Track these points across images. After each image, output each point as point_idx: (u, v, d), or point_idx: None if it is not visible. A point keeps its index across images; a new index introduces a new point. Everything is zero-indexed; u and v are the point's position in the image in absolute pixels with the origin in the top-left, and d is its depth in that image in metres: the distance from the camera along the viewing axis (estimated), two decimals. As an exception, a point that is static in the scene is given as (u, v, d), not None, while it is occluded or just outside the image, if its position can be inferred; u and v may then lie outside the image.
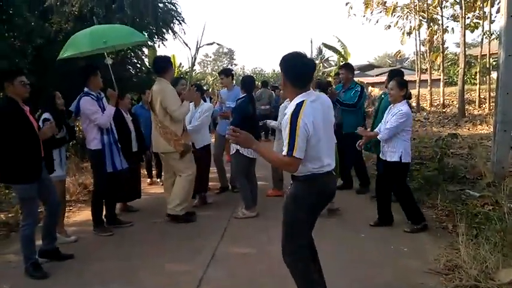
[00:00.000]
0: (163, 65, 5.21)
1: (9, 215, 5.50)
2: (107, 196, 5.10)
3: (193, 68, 5.85)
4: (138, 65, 12.97)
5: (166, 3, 12.16)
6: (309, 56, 2.89)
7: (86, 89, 4.79)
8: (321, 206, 2.89)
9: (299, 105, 2.63)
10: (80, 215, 5.83)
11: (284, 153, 2.61)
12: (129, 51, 11.13)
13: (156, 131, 5.16)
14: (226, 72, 7.12)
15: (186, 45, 5.55)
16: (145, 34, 12.26)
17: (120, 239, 4.86)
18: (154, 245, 4.60)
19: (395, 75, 5.46)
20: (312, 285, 2.82)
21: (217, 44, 6.20)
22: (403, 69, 12.03)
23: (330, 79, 16.68)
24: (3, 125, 3.64)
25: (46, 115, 4.42)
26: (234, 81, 7.43)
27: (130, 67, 12.57)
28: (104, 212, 5.16)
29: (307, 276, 2.81)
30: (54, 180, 4.34)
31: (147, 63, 13.82)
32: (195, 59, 5.49)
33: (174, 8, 12.33)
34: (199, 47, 5.36)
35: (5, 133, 3.63)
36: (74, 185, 6.61)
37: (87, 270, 3.98)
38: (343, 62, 11.37)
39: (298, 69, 2.72)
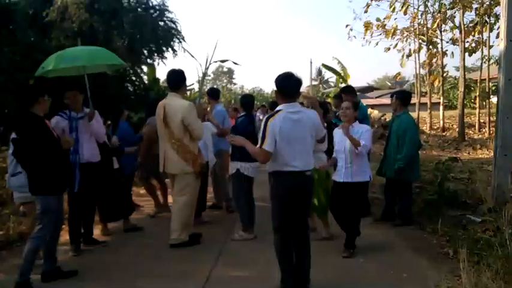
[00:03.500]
0: (179, 79, 4.99)
1: (0, 232, 5.36)
2: (77, 215, 4.92)
3: (203, 84, 5.79)
4: (137, 83, 12.99)
5: (167, 22, 12.28)
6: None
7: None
8: (288, 198, 3.53)
9: (275, 112, 3.51)
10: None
11: (258, 146, 3.47)
12: (128, 68, 11.14)
13: (171, 151, 4.84)
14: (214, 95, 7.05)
15: (196, 60, 5.42)
16: (145, 51, 12.38)
17: (108, 260, 4.72)
18: (145, 267, 4.45)
19: (402, 95, 5.98)
20: (282, 264, 3.60)
21: (233, 62, 6.05)
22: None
23: (329, 100, 16.75)
24: (36, 138, 3.83)
25: (13, 134, 4.24)
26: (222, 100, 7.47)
27: (128, 84, 12.59)
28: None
29: (280, 255, 3.62)
30: (31, 199, 4.25)
31: (145, 81, 13.87)
32: (205, 75, 5.39)
33: (174, 26, 12.45)
34: (210, 63, 5.24)
35: (38, 146, 3.84)
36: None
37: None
38: (344, 85, 11.32)
39: (282, 83, 3.56)
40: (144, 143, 6.04)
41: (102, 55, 5.46)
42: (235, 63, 5.93)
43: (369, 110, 22.30)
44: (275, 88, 3.64)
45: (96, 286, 4.01)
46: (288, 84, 3.56)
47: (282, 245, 3.63)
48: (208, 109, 6.80)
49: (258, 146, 3.48)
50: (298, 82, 3.61)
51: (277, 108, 3.54)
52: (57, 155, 3.93)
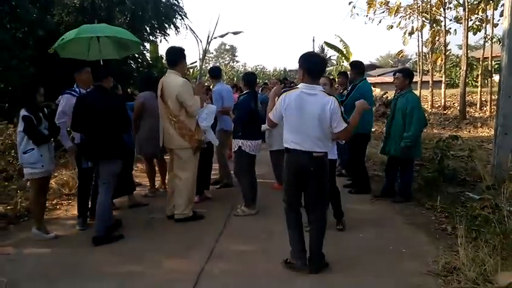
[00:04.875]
0: (176, 57, 5.02)
1: (8, 207, 5.48)
2: (86, 190, 5.03)
3: (204, 62, 5.75)
4: (140, 60, 12.93)
5: (169, -2, 12.13)
6: None
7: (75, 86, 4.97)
8: (292, 175, 3.68)
9: (292, 89, 3.67)
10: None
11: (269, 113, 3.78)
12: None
13: (169, 126, 4.94)
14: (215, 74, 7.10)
15: (197, 37, 5.40)
16: (147, 28, 12.27)
17: (114, 233, 4.79)
18: (151, 241, 4.57)
19: (408, 72, 6.04)
20: (289, 226, 3.82)
21: (232, 33, 5.97)
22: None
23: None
24: (118, 109, 4.51)
25: (23, 112, 4.38)
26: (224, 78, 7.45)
27: (131, 62, 12.53)
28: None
29: (288, 224, 3.83)
30: (43, 175, 4.50)
31: (149, 58, 13.80)
32: (206, 52, 5.36)
33: (176, 2, 12.30)
34: (211, 39, 5.21)
35: (119, 116, 4.48)
36: (74, 178, 6.59)
37: (82, 264, 3.98)
38: (351, 61, 11.24)
39: (309, 62, 3.57)
40: (133, 117, 6.05)
41: (123, 32, 5.78)
42: (236, 33, 5.81)
43: (372, 89, 22.22)
44: (299, 65, 3.61)
45: (104, 257, 4.12)
46: (314, 63, 3.58)
47: (288, 217, 3.84)
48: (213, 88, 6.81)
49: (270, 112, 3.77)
50: (324, 62, 3.73)
51: (297, 86, 3.67)
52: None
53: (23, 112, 4.38)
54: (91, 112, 4.34)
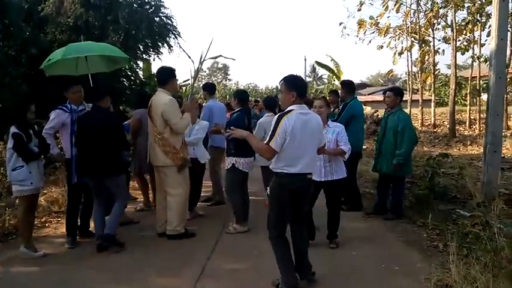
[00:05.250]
0: (166, 76, 5.10)
1: (-4, 224, 5.39)
2: (75, 207, 5.00)
3: (196, 81, 5.83)
4: (132, 78, 12.96)
5: (162, 17, 12.23)
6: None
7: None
8: (287, 200, 3.53)
9: (287, 111, 3.46)
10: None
11: (265, 142, 3.44)
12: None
13: (154, 143, 5.00)
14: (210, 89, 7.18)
15: (189, 58, 5.51)
16: (141, 47, 12.35)
17: (104, 252, 4.75)
18: (142, 258, 4.53)
19: (399, 91, 6.17)
20: (283, 263, 3.57)
21: (224, 57, 6.12)
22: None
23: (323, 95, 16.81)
24: (120, 128, 4.84)
25: (13, 129, 4.37)
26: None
27: (124, 79, 12.55)
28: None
29: (280, 257, 3.58)
30: (32, 192, 4.49)
31: (141, 76, 13.84)
32: (198, 72, 5.45)
33: (170, 22, 12.40)
34: (204, 60, 5.32)
35: (122, 135, 4.81)
36: (63, 195, 6.52)
37: (71, 282, 3.92)
38: (341, 80, 11.41)
39: (298, 83, 3.57)
40: (131, 133, 6.07)
41: (111, 49, 5.75)
42: (227, 58, 6.03)
43: (363, 107, 22.43)
44: (286, 87, 3.55)
45: (94, 275, 4.06)
46: (302, 85, 3.66)
47: (278, 247, 3.63)
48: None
49: (265, 141, 3.46)
50: (306, 83, 3.89)
51: (289, 108, 3.50)
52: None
53: (13, 129, 4.36)
54: (90, 131, 4.50)
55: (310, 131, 3.51)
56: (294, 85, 3.55)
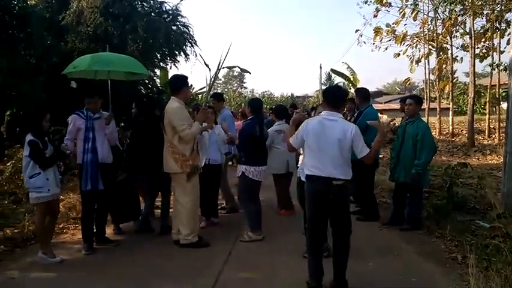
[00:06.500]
0: (178, 84, 5.17)
1: (15, 231, 5.49)
2: (90, 214, 5.05)
3: (211, 89, 5.86)
4: (150, 86, 13.14)
5: (180, 26, 12.40)
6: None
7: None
8: (313, 202, 3.74)
9: (314, 117, 4.06)
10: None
11: (290, 136, 3.91)
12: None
13: (165, 151, 5.08)
14: (218, 97, 7.33)
15: (207, 65, 5.53)
16: (158, 55, 12.53)
17: (121, 258, 4.82)
18: (157, 267, 4.54)
19: (418, 99, 6.16)
20: (309, 253, 3.83)
21: (240, 69, 6.13)
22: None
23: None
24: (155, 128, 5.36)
25: (29, 136, 4.44)
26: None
27: (141, 87, 12.74)
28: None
29: (309, 248, 3.83)
30: (49, 199, 4.53)
31: (158, 84, 14.02)
32: (215, 79, 5.47)
33: (187, 30, 12.57)
34: (221, 68, 5.33)
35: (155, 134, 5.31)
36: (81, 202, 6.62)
37: (86, 287, 3.94)
38: (356, 87, 11.38)
39: (327, 93, 4.00)
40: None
41: (132, 63, 5.76)
42: (243, 71, 5.99)
43: (379, 115, 22.25)
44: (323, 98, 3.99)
45: (108, 284, 4.09)
46: (333, 95, 3.87)
47: (310, 244, 3.84)
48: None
49: (291, 136, 3.90)
50: (343, 95, 3.99)
51: (320, 113, 3.91)
52: None
53: (29, 137, 4.44)
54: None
55: (330, 136, 3.63)
56: (325, 94, 3.96)
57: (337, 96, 3.86)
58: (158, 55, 12.44)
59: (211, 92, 6.36)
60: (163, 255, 4.90)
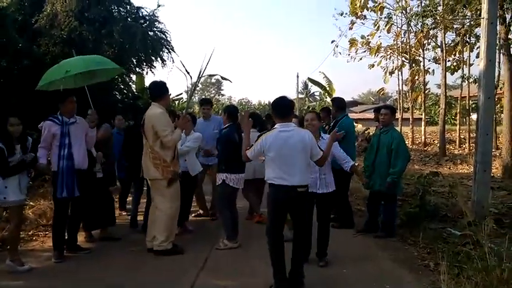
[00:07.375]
0: (158, 90, 5.13)
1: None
2: (62, 221, 4.90)
3: (192, 96, 5.84)
4: (125, 91, 12.96)
5: (157, 32, 12.31)
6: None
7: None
8: (277, 209, 3.90)
9: (270, 130, 4.01)
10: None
11: (247, 148, 4.01)
12: (116, 77, 11.11)
13: (146, 157, 5.00)
14: (211, 103, 7.27)
15: (188, 73, 5.50)
16: (134, 60, 12.38)
17: (93, 266, 4.70)
18: (131, 275, 4.44)
19: (393, 109, 6.29)
20: (273, 263, 3.90)
21: (221, 77, 6.12)
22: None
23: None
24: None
25: None
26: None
27: (116, 93, 12.54)
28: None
29: (272, 256, 3.91)
30: (13, 204, 4.39)
31: (134, 90, 13.84)
32: (196, 87, 5.43)
33: (164, 36, 12.49)
34: (202, 75, 5.32)
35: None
36: (51, 209, 6.42)
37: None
38: (334, 96, 11.50)
39: (276, 105, 4.04)
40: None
41: (96, 61, 5.42)
42: (224, 79, 5.98)
43: (354, 124, 22.57)
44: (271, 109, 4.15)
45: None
46: (281, 106, 4.00)
47: (272, 248, 3.93)
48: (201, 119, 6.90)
49: (247, 148, 4.01)
50: (290, 104, 4.09)
51: (274, 127, 3.97)
52: None
53: None
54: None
55: (292, 145, 3.81)
56: (273, 106, 4.11)
57: (284, 106, 4.00)
58: (134, 60, 12.30)
59: (192, 98, 6.34)
60: (138, 263, 4.81)
